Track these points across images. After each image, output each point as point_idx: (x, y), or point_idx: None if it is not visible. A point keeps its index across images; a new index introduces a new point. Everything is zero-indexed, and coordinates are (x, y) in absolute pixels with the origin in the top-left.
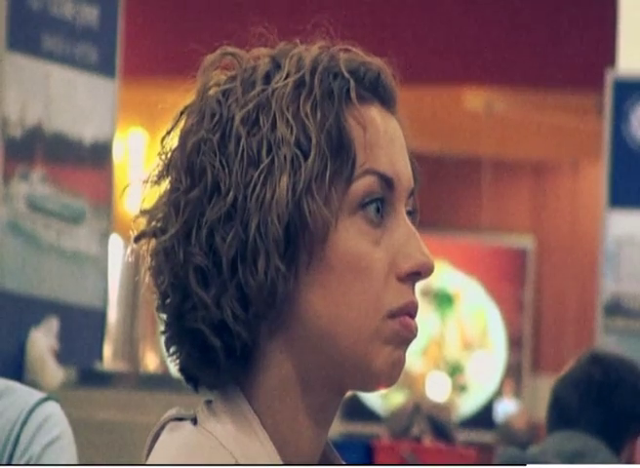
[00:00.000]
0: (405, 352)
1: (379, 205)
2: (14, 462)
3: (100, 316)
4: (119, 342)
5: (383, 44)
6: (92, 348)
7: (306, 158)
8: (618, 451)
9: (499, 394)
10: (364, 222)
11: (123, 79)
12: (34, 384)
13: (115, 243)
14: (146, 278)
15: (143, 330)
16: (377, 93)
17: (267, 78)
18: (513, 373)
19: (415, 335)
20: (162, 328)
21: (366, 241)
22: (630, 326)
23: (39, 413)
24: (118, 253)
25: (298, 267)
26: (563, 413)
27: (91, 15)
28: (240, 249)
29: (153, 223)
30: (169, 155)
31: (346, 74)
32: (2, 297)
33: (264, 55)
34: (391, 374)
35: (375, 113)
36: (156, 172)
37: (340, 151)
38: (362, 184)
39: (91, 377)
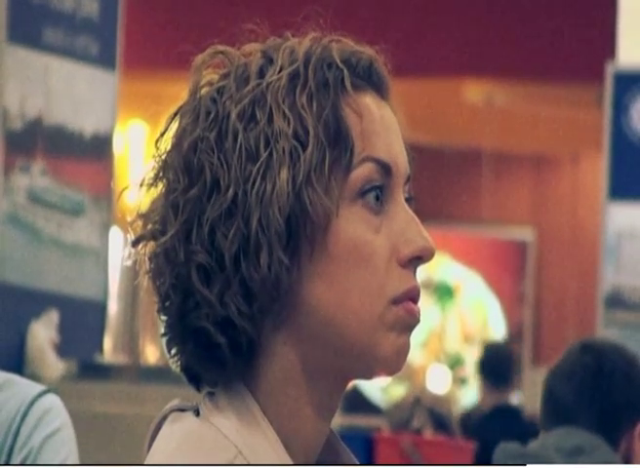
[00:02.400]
0: (409, 338)
1: (378, 192)
2: (14, 455)
3: (101, 308)
4: (119, 335)
5: (383, 36)
6: (92, 341)
7: (305, 149)
8: (616, 442)
9: None
10: (364, 210)
11: (123, 71)
12: (34, 377)
13: (115, 235)
14: (145, 282)
15: (144, 322)
16: (370, 81)
17: (261, 73)
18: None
19: (418, 320)
20: (163, 329)
21: (367, 228)
22: (631, 318)
23: (39, 406)
24: (118, 245)
25: (300, 259)
26: (558, 408)
27: (91, 7)
28: (242, 244)
29: (150, 226)
30: (164, 157)
31: (340, 64)
32: (2, 290)
33: (256, 50)
34: (397, 360)
35: (369, 101)
36: (152, 174)
37: (338, 140)
38: (361, 172)
39: (91, 370)
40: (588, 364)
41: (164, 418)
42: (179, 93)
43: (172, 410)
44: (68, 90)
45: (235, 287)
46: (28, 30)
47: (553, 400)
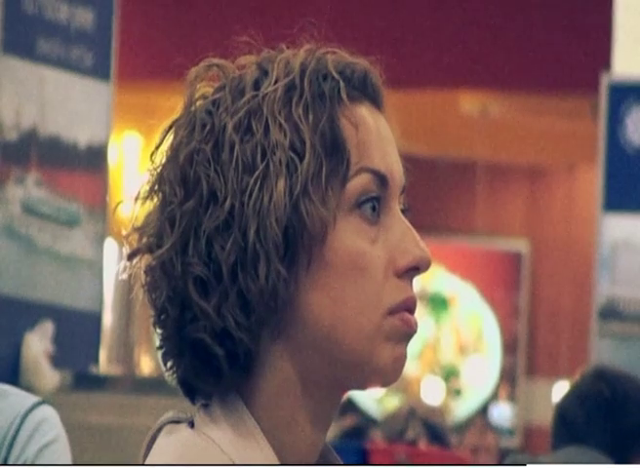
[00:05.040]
0: (406, 348)
1: (374, 203)
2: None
3: (96, 320)
4: (114, 346)
5: (379, 48)
6: (87, 352)
7: (301, 160)
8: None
9: (493, 398)
10: (361, 221)
11: (118, 82)
12: (29, 388)
13: (110, 246)
14: (140, 295)
15: (139, 333)
16: (365, 92)
17: (256, 85)
18: (508, 377)
19: (415, 331)
20: (158, 342)
21: (363, 239)
22: (625, 330)
23: (34, 417)
24: (113, 256)
25: (297, 270)
26: (570, 429)
27: (86, 18)
28: (240, 255)
29: (145, 239)
30: (159, 170)
31: (336, 75)
32: None
33: (251, 62)
34: (394, 370)
35: (365, 112)
36: (147, 187)
37: (335, 151)
38: (357, 183)
39: (86, 381)
40: (602, 390)
41: (159, 430)
42: (173, 105)
43: (166, 422)
44: (63, 101)
45: (233, 298)
46: (23, 41)
47: (565, 421)
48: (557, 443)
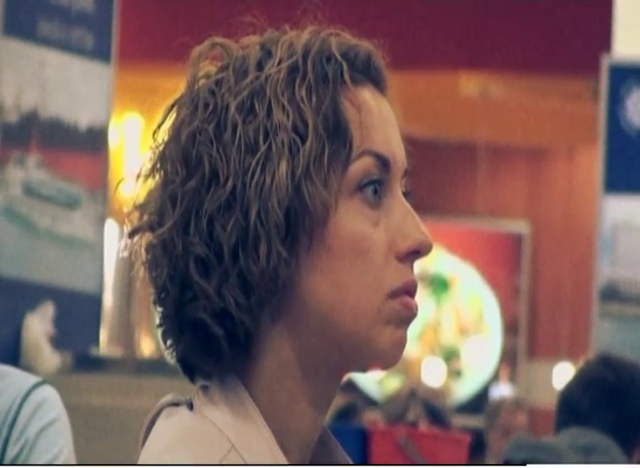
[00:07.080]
0: (406, 331)
1: (376, 186)
2: (10, 446)
3: (96, 301)
4: (115, 327)
5: (379, 29)
6: (87, 333)
7: (304, 142)
8: (628, 452)
9: (494, 379)
10: (362, 204)
11: (119, 64)
12: (30, 369)
13: (111, 228)
14: (141, 273)
15: (139, 315)
16: (368, 74)
17: (260, 65)
18: (509, 359)
19: (415, 314)
20: (158, 320)
21: (365, 222)
22: (626, 311)
23: (35, 397)
24: (113, 238)
25: (299, 252)
26: (574, 413)
27: (86, 0)
28: (241, 236)
29: (146, 217)
30: (161, 148)
31: (339, 57)
32: None
33: (254, 43)
34: (394, 354)
35: (368, 95)
36: (149, 165)
37: (337, 134)
38: (360, 166)
39: (86, 362)
40: (607, 377)
41: (158, 413)
42: (175, 85)
43: (166, 405)
44: (64, 83)
45: (233, 279)
46: (24, 23)
47: (569, 407)
48: (561, 428)
